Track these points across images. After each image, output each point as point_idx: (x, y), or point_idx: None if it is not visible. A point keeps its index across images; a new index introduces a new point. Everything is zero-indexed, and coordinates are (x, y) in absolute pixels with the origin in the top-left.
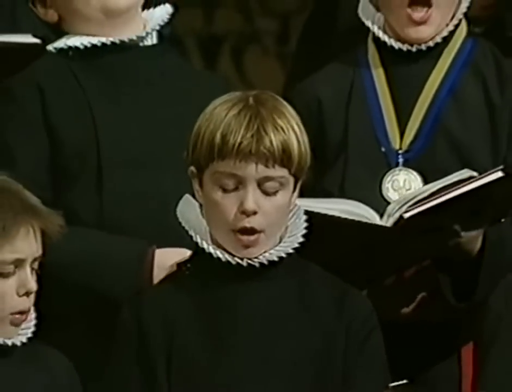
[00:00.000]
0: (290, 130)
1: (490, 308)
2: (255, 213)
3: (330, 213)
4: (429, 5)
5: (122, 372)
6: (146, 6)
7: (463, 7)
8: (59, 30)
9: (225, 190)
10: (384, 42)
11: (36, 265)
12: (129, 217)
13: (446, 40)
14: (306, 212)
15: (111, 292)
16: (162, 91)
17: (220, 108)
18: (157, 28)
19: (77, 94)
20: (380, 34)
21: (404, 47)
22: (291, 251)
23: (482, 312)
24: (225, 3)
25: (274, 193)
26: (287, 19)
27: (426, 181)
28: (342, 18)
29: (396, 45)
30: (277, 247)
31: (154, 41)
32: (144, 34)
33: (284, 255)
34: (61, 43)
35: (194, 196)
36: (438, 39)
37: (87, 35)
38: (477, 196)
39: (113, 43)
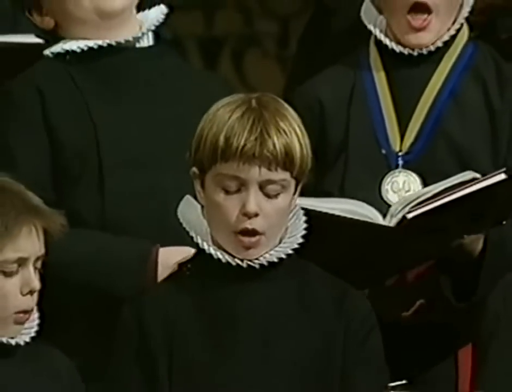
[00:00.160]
0: (292, 133)
1: (488, 308)
2: (256, 215)
3: (334, 212)
4: (429, 11)
5: (122, 372)
6: (140, 8)
7: (465, 12)
8: (55, 36)
9: (227, 192)
10: (386, 45)
11: (39, 264)
12: (130, 217)
13: (448, 44)
14: (310, 211)
15: (116, 291)
16: (161, 91)
17: (223, 110)
18: (152, 28)
19: (74, 96)
20: (382, 37)
21: (406, 51)
22: (290, 252)
23: (480, 312)
24: (225, 5)
25: (276, 196)
26: (288, 22)
27: (425, 183)
28: (342, 21)
29: (398, 49)
30: (277, 249)
31: (151, 42)
32: (139, 35)
33: (283, 256)
34: (58, 47)
35: (195, 196)
36: (439, 43)
37: (84, 38)
38: (480, 198)
39: (109, 45)
